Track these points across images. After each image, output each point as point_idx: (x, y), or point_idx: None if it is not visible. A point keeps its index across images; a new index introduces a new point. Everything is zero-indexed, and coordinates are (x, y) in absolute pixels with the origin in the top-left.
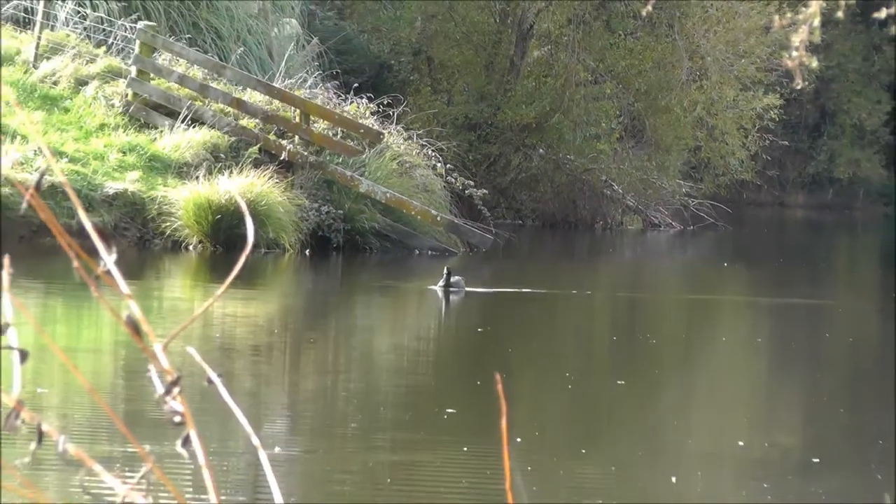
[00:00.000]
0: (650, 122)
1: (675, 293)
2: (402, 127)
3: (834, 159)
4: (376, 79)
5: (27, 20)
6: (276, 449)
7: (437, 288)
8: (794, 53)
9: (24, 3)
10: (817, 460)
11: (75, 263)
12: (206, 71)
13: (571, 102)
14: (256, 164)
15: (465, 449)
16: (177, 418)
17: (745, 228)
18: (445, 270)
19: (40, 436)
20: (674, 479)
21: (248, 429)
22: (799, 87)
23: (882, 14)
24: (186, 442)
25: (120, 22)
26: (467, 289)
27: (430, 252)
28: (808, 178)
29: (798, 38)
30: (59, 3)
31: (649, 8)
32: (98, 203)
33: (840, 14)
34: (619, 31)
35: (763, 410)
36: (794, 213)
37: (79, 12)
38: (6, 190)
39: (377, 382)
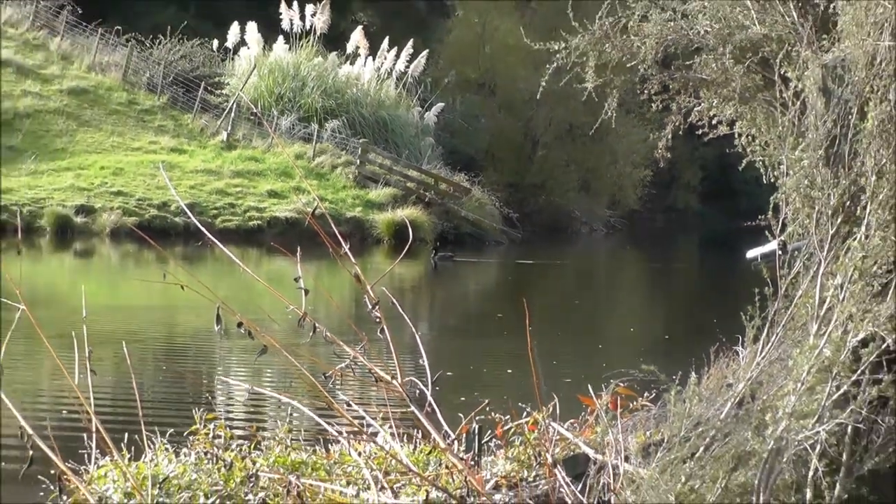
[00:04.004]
0: (594, 183)
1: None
2: (479, 182)
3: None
4: (469, 159)
5: (308, 137)
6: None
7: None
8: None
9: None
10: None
11: (332, 249)
12: (393, 160)
13: (553, 176)
14: (413, 204)
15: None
16: (377, 319)
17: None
18: (435, 249)
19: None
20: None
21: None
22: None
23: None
24: (382, 332)
25: (353, 137)
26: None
27: (494, 242)
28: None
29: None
30: (328, 127)
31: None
32: (342, 221)
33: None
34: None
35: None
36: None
37: (334, 130)
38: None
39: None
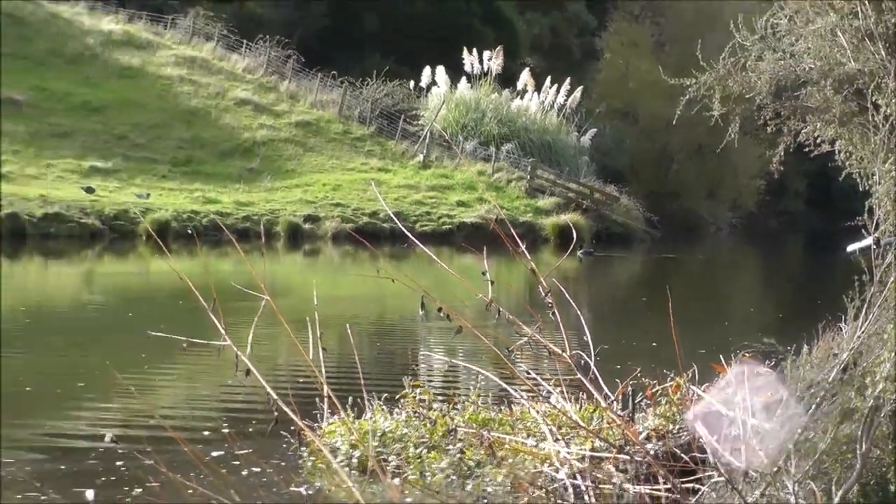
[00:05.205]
0: (718, 191)
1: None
2: (626, 192)
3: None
4: (617, 173)
5: (488, 157)
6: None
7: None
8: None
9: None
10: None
11: (511, 248)
12: (556, 174)
13: (685, 186)
14: (573, 209)
15: None
16: (549, 304)
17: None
18: (582, 247)
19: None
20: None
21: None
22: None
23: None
24: (553, 314)
25: (524, 157)
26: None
27: (639, 240)
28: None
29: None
30: (504, 149)
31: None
32: (516, 225)
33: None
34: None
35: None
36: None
37: (508, 151)
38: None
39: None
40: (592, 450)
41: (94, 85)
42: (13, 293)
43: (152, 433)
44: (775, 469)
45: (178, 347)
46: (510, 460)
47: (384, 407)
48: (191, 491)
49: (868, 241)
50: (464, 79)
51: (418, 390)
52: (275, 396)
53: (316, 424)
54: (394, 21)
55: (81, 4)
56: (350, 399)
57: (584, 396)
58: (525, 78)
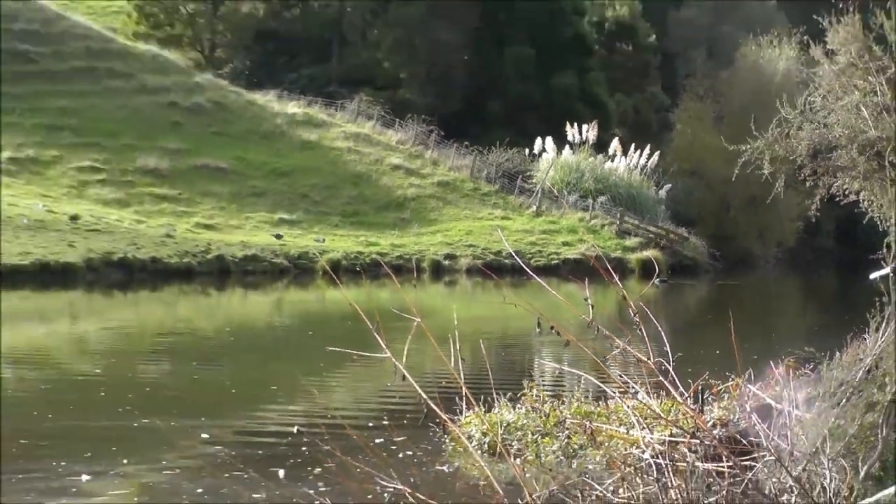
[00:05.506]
0: (766, 232)
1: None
2: (693, 233)
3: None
4: (687, 219)
5: (586, 207)
6: None
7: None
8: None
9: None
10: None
11: (606, 278)
12: (639, 220)
13: (741, 229)
14: (653, 247)
15: None
16: (636, 322)
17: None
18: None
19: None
20: None
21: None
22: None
23: None
24: (640, 329)
25: (614, 207)
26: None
27: (704, 271)
28: None
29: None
30: (598, 200)
31: None
32: (609, 260)
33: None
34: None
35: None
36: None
37: (602, 203)
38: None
39: None
40: (670, 436)
41: (281, 155)
42: (220, 317)
43: (329, 425)
44: (814, 450)
45: (350, 359)
46: (606, 444)
47: (508, 403)
48: (358, 470)
49: (887, 270)
50: (567, 147)
51: (534, 390)
52: (424, 396)
53: (456, 417)
54: (513, 103)
55: (272, 93)
56: (482, 397)
57: (664, 394)
58: (614, 145)
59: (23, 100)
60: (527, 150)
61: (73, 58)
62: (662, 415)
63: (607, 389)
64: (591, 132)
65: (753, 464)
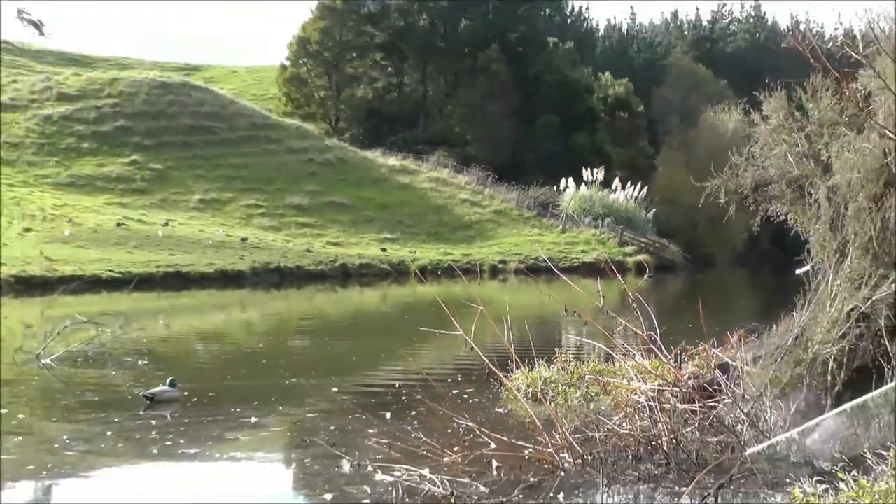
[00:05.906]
0: (723, 240)
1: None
2: (672, 242)
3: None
4: (668, 232)
5: (597, 226)
6: None
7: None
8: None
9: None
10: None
11: (612, 275)
12: (634, 234)
13: (706, 239)
14: (644, 252)
15: None
16: (634, 306)
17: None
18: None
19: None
20: None
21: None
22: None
23: None
24: (636, 311)
25: (616, 225)
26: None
27: (679, 268)
28: None
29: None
30: (605, 221)
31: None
32: (613, 262)
33: None
34: (718, 224)
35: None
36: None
37: (608, 223)
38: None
39: None
40: (658, 385)
41: (385, 193)
42: (344, 307)
43: (420, 381)
44: (759, 394)
45: (434, 335)
46: (614, 392)
47: (545, 364)
48: (441, 412)
49: (807, 267)
50: (583, 184)
51: (563, 355)
52: (486, 360)
53: (508, 374)
54: (544, 155)
55: (378, 151)
56: (526, 360)
57: (654, 356)
58: (616, 183)
59: (209, 159)
60: (555, 187)
61: (241, 129)
62: (652, 371)
63: (613, 354)
64: (599, 174)
65: (717, 404)
